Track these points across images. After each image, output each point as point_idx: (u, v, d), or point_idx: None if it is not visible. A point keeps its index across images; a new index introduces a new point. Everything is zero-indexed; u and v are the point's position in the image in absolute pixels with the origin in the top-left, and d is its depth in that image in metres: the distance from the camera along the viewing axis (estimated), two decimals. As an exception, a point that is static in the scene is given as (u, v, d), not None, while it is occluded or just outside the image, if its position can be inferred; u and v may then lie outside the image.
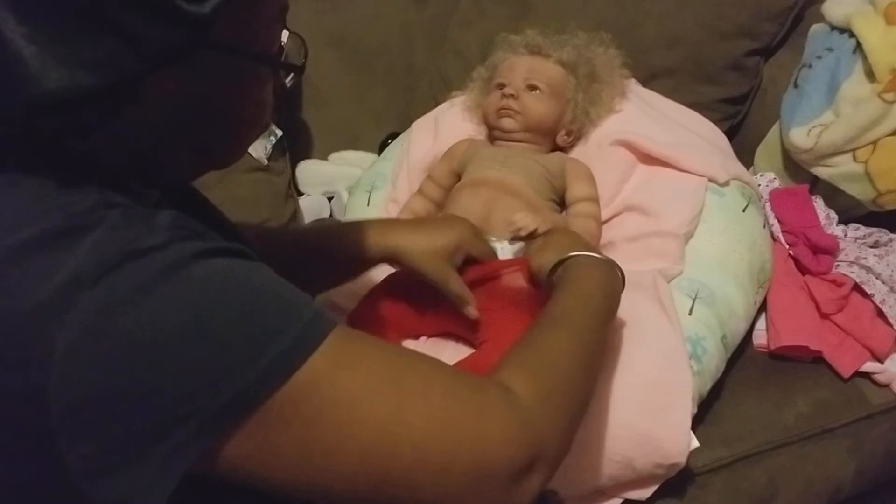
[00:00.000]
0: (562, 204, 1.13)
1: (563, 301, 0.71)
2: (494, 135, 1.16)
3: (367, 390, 0.50)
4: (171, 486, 0.46)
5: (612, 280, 0.76)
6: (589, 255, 0.77)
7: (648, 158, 1.12)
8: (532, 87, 1.13)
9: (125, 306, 0.45)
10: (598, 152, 1.15)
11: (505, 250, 1.00)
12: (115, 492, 0.46)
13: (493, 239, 1.00)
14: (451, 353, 0.97)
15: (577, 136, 1.19)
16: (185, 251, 0.48)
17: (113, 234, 0.47)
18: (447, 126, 1.25)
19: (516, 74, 1.14)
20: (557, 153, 1.17)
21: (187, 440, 0.46)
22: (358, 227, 0.92)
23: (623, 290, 0.79)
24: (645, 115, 1.19)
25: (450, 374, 0.56)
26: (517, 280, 0.94)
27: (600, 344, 0.71)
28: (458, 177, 1.15)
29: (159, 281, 0.46)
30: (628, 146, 1.13)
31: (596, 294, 0.73)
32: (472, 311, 0.89)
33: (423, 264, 0.88)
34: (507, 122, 1.13)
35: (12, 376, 0.46)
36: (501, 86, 1.15)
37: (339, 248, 0.90)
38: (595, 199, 1.09)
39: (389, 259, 0.90)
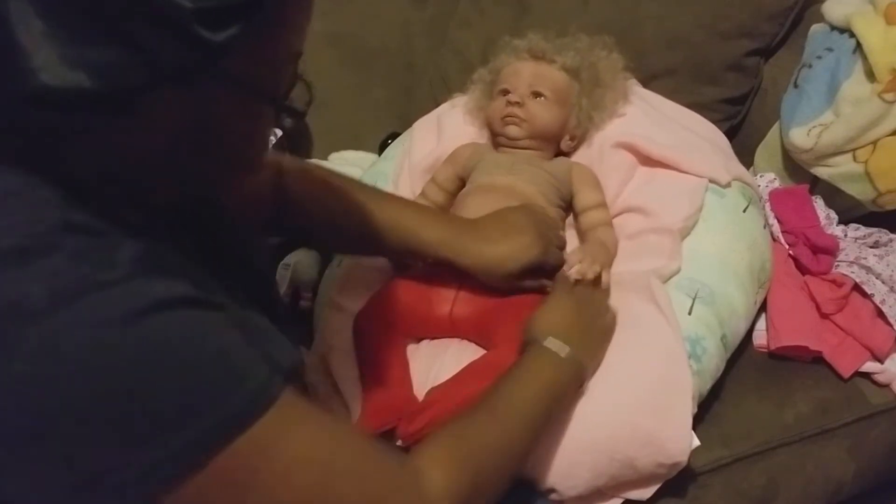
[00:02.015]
0: (568, 209, 1.13)
1: (509, 391, 0.73)
2: (499, 141, 1.16)
3: (301, 462, 0.53)
4: None
5: (567, 383, 0.79)
6: (557, 354, 0.78)
7: (650, 160, 1.12)
8: (537, 94, 1.13)
9: (69, 350, 0.45)
10: (600, 155, 1.15)
11: None
12: None
13: None
14: (454, 352, 0.98)
15: (580, 141, 1.19)
16: (144, 296, 0.47)
17: (70, 263, 0.46)
18: (450, 129, 1.25)
19: (521, 81, 1.14)
20: (562, 158, 1.17)
21: (109, 498, 0.46)
22: (433, 227, 0.93)
23: (582, 386, 0.83)
24: (646, 117, 1.19)
25: (378, 455, 0.60)
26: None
27: (532, 441, 0.74)
28: (462, 181, 1.16)
29: (110, 327, 0.46)
30: (630, 148, 1.13)
31: (543, 395, 0.75)
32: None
33: (494, 284, 0.93)
34: (513, 130, 1.12)
35: None
36: (506, 92, 1.14)
37: (410, 240, 0.92)
38: (604, 205, 1.09)
39: (458, 268, 0.93)
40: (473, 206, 1.08)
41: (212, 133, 0.53)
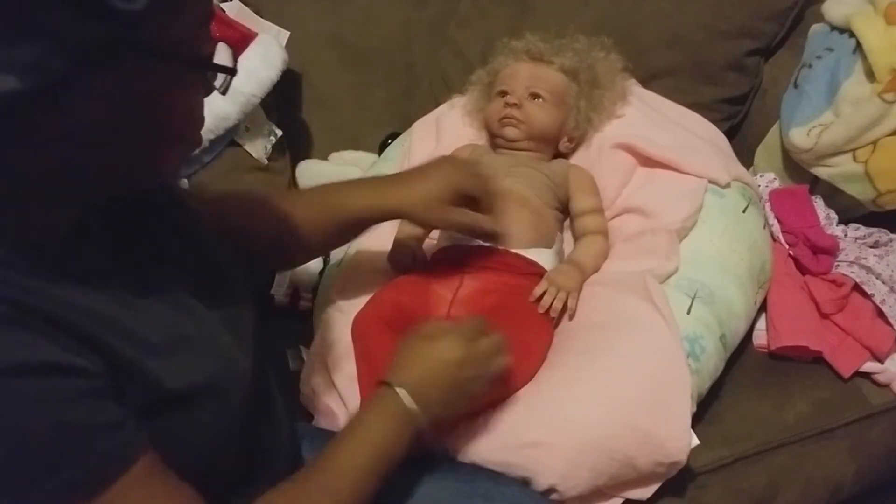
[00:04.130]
0: (565, 212, 1.13)
1: (341, 451, 0.71)
2: (497, 143, 1.16)
3: None
4: None
5: (403, 439, 0.73)
6: (403, 406, 0.73)
7: (649, 161, 1.12)
8: (535, 95, 1.13)
9: None
10: (599, 156, 1.15)
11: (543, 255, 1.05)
12: None
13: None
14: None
15: (578, 142, 1.19)
16: None
17: None
18: (449, 131, 1.25)
19: (518, 82, 1.14)
20: (560, 160, 1.17)
21: None
22: (357, 190, 0.94)
23: (417, 438, 0.75)
24: (646, 118, 1.19)
25: None
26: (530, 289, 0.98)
27: (365, 495, 0.70)
28: None
29: None
30: (629, 149, 1.13)
31: (376, 454, 0.71)
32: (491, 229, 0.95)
33: (425, 217, 0.93)
34: (511, 132, 1.13)
35: None
36: (503, 93, 1.14)
37: (344, 213, 0.93)
38: (600, 210, 1.10)
39: (393, 217, 0.95)
40: None
41: (141, 109, 0.52)
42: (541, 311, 0.97)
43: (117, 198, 0.60)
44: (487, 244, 1.05)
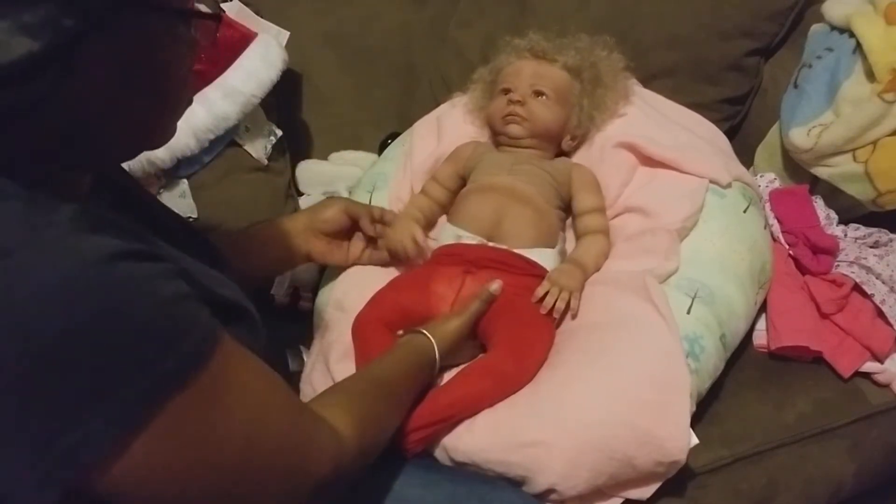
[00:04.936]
0: (567, 210, 1.13)
1: (391, 365, 0.85)
2: (500, 140, 1.16)
3: (243, 397, 0.57)
4: (54, 496, 0.47)
5: (427, 368, 0.90)
6: (427, 337, 0.91)
7: (651, 160, 1.12)
8: (538, 93, 1.13)
9: (24, 297, 0.46)
10: (601, 155, 1.15)
11: (545, 255, 1.05)
12: None
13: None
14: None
15: (581, 141, 1.19)
16: (90, 251, 0.48)
17: (5, 227, 0.47)
18: (450, 129, 1.24)
19: (522, 80, 1.14)
20: (563, 159, 1.17)
21: (61, 461, 0.47)
22: (284, 233, 1.03)
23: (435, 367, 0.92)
24: (647, 118, 1.19)
25: (298, 400, 0.66)
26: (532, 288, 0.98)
27: (406, 404, 0.85)
28: (463, 179, 1.16)
29: (53, 279, 0.47)
30: (631, 149, 1.13)
31: (414, 367, 0.87)
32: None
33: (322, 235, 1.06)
34: (514, 129, 1.13)
35: None
36: (507, 91, 1.14)
37: (275, 251, 1.04)
38: (602, 210, 1.10)
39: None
40: (473, 206, 1.08)
41: (143, 65, 0.55)
42: (543, 311, 0.97)
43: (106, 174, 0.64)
44: (490, 243, 1.05)
